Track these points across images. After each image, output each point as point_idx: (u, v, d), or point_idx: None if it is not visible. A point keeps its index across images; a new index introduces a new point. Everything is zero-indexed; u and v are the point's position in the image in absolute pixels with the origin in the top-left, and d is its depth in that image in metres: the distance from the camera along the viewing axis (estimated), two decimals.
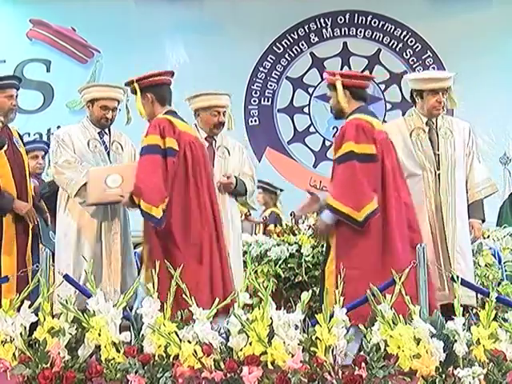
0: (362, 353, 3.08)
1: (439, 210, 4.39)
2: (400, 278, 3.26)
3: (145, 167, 3.97)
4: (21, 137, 4.67)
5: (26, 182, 4.45)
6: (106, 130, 4.59)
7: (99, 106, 4.52)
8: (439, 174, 4.43)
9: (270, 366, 3.00)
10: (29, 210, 4.31)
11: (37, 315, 3.22)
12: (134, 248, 4.73)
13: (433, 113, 4.49)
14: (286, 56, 8.67)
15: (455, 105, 4.55)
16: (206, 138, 4.68)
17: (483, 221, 4.63)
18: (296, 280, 5.16)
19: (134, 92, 4.21)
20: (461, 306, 3.23)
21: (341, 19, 8.64)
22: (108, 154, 4.54)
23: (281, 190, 7.66)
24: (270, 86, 8.68)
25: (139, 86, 4.18)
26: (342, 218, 3.80)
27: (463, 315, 3.25)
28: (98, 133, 4.56)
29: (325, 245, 4.08)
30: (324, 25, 8.65)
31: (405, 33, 8.56)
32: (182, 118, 4.19)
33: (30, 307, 3.25)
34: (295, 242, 5.32)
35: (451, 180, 4.42)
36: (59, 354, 3.08)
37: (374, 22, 8.60)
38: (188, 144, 4.06)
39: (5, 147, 4.36)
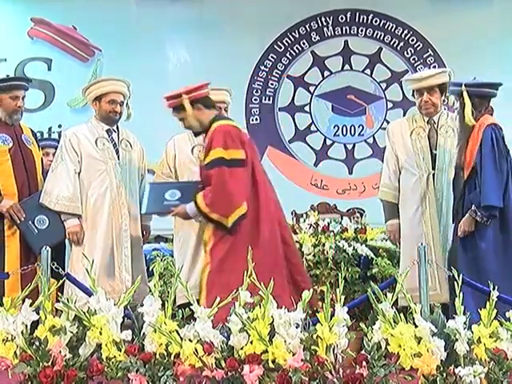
0: (363, 351, 3.08)
1: (434, 210, 4.39)
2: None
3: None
4: (34, 135, 4.69)
5: (36, 180, 4.47)
6: (114, 128, 4.60)
7: (106, 101, 4.54)
8: (434, 174, 4.44)
9: (270, 365, 2.99)
10: (10, 207, 4.28)
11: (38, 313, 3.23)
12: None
13: (422, 112, 4.52)
14: (287, 55, 8.67)
15: (448, 101, 4.55)
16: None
17: None
18: None
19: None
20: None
21: (342, 18, 8.63)
22: (117, 151, 4.55)
23: None
24: (271, 84, 8.68)
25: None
26: (210, 222, 3.99)
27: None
28: (107, 130, 4.57)
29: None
30: (325, 23, 8.64)
31: (406, 31, 8.55)
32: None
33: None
34: (296, 241, 5.31)
35: (446, 180, 4.42)
36: (60, 352, 3.07)
37: (376, 21, 8.59)
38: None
39: (9, 145, 4.37)
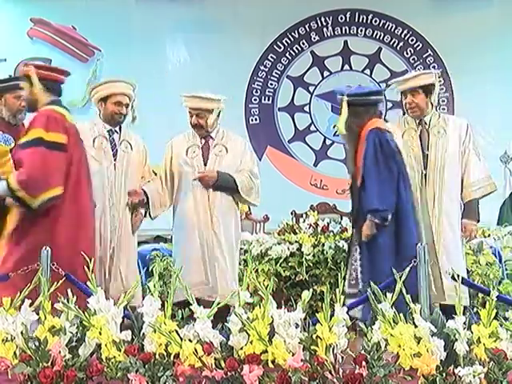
0: (362, 351, 3.08)
1: (425, 209, 4.40)
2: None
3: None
4: None
5: None
6: (117, 129, 4.59)
7: (112, 102, 4.53)
8: (425, 174, 4.45)
9: (270, 365, 2.99)
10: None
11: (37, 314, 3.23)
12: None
13: (409, 113, 4.54)
14: (287, 55, 8.67)
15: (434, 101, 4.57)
16: (201, 137, 4.69)
17: (478, 221, 4.63)
18: (296, 279, 5.17)
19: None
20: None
21: (341, 18, 8.64)
22: (116, 152, 4.54)
23: None
24: (271, 84, 8.68)
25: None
26: (15, 200, 3.79)
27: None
28: (108, 131, 4.56)
29: None
30: (325, 23, 8.65)
31: (405, 31, 8.56)
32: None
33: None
34: (296, 241, 5.33)
35: (438, 179, 4.43)
36: (60, 352, 3.07)
37: (375, 21, 8.59)
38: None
39: (11, 145, 4.38)
